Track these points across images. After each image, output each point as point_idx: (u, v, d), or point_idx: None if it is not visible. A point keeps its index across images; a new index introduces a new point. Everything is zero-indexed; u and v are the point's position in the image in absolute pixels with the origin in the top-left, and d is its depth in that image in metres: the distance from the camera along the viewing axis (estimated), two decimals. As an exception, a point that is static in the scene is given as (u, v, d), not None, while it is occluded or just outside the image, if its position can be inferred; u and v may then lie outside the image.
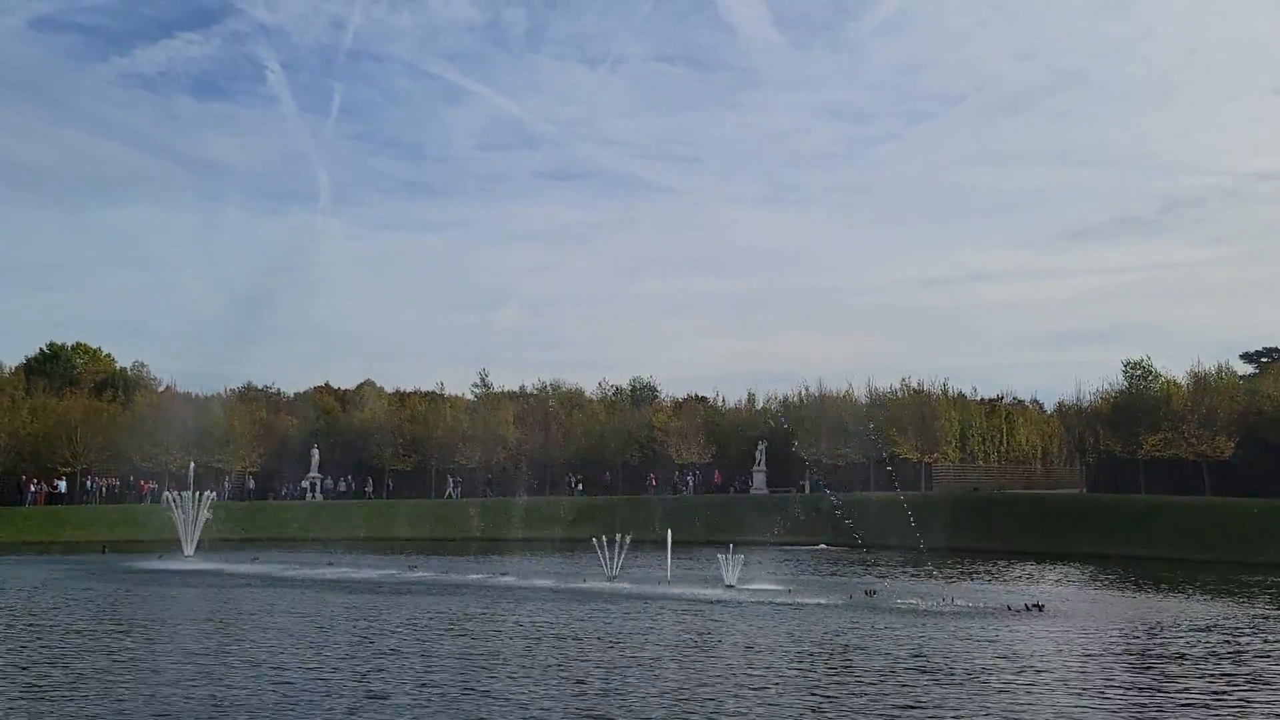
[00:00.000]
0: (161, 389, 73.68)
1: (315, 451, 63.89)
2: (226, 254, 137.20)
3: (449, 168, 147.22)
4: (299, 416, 70.39)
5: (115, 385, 74.19)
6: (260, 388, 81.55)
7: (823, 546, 46.64)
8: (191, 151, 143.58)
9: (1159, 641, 19.18)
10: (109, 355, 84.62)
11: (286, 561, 36.51)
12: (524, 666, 16.15)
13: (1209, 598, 26.79)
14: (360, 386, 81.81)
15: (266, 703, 13.48)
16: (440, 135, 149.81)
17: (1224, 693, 14.55)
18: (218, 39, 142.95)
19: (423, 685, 14.67)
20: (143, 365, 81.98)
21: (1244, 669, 16.40)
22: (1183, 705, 13.70)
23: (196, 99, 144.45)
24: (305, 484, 63.68)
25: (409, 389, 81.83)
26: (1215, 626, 21.08)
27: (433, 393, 79.11)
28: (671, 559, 32.35)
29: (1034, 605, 23.75)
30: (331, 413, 72.96)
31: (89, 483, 60.79)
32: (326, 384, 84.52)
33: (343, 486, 64.87)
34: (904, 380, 64.81)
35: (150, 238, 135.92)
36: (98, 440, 59.59)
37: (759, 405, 70.10)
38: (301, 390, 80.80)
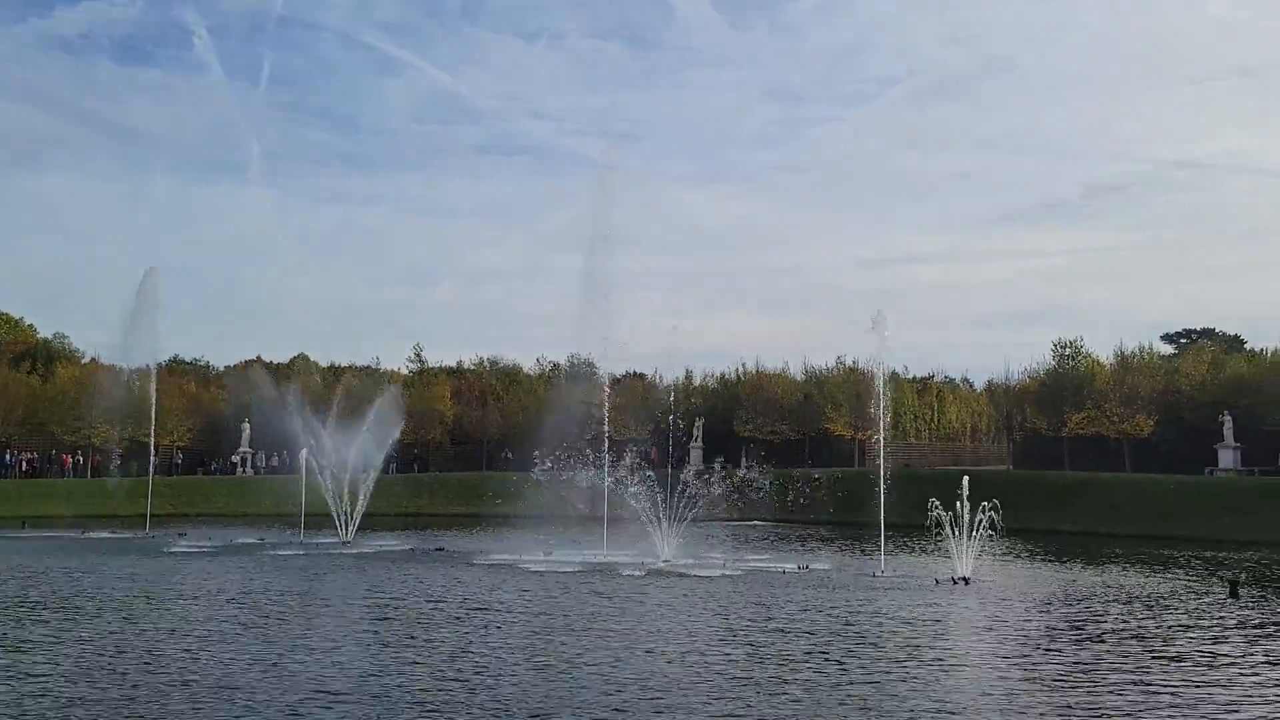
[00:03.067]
0: (85, 361, 71.83)
1: (246, 426, 62.83)
2: (153, 224, 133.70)
3: (385, 140, 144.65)
4: (229, 390, 69.10)
5: (35, 356, 72.08)
6: (189, 361, 79.91)
7: (758, 523, 47.28)
8: (115, 118, 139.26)
9: (1077, 611, 19.85)
10: (30, 326, 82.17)
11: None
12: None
13: (1126, 569, 27.79)
14: (293, 360, 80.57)
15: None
16: (375, 107, 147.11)
17: (1144, 665, 15.13)
18: (141, 1, 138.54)
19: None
20: (65, 337, 79.83)
21: (1163, 642, 17.06)
22: (1101, 672, 14.22)
23: (119, 64, 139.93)
24: (236, 459, 62.64)
25: (344, 363, 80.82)
26: (1136, 597, 21.86)
27: (368, 367, 78.24)
28: (607, 534, 32.60)
29: (960, 578, 24.46)
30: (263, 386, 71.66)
31: (8, 457, 59.11)
32: (258, 357, 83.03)
33: (275, 461, 63.89)
34: (839, 358, 65.83)
35: (73, 207, 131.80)
36: (17, 413, 57.98)
37: (696, 382, 70.65)
38: (232, 364, 79.34)
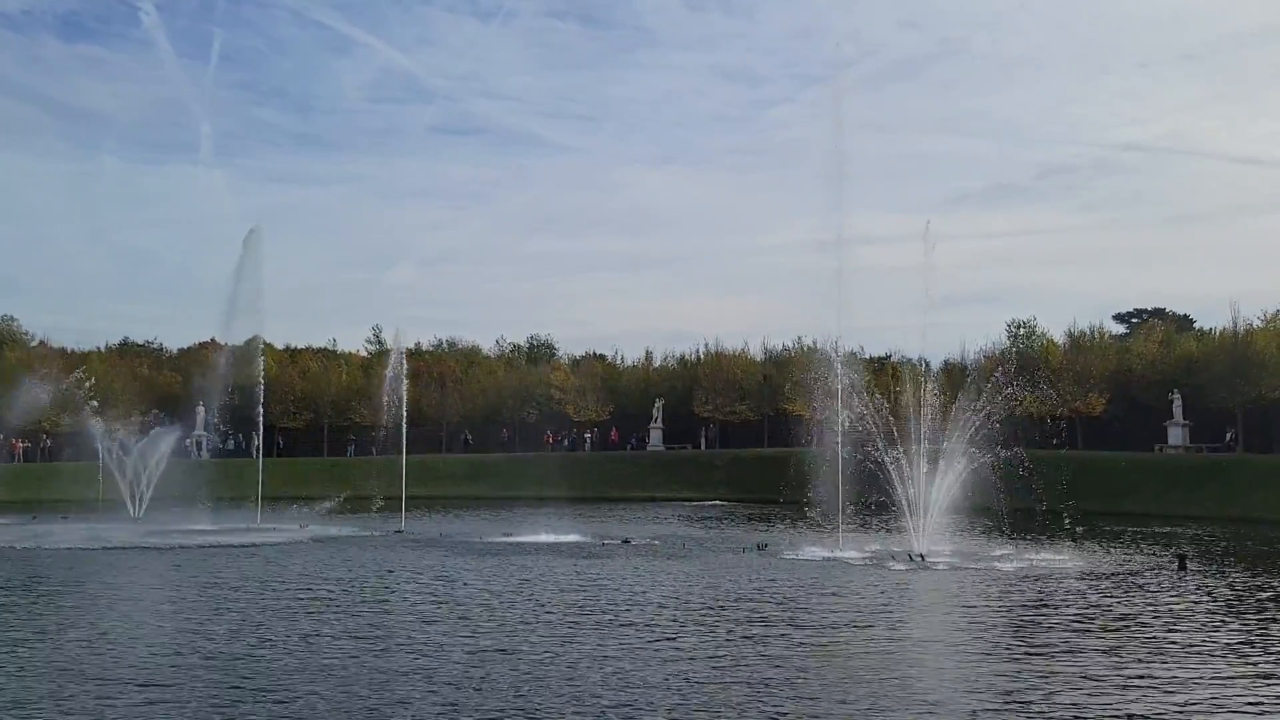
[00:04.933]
0: (34, 344, 70.48)
1: (200, 409, 62.02)
2: (103, 205, 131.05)
3: (339, 120, 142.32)
4: (183, 373, 68.14)
5: (-19, 340, 70.47)
6: (141, 343, 78.64)
7: (717, 502, 47.57)
8: (62, 97, 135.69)
9: (1033, 587, 20.19)
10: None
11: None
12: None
13: (1078, 545, 28.34)
14: (248, 342, 79.44)
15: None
16: (329, 87, 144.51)
17: (1108, 642, 15.41)
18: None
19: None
20: (13, 320, 78.09)
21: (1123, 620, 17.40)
22: (1058, 650, 14.47)
23: (64, 41, 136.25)
24: (189, 442, 61.78)
25: (300, 345, 79.90)
26: (1088, 573, 22.28)
27: (325, 349, 77.50)
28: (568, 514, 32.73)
29: (918, 555, 24.82)
30: (217, 369, 70.72)
31: (-45, 443, 57.88)
32: (212, 339, 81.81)
33: (231, 445, 63.13)
34: (798, 339, 66.22)
35: (20, 187, 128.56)
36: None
37: (656, 363, 70.80)
38: (186, 346, 78.17)
